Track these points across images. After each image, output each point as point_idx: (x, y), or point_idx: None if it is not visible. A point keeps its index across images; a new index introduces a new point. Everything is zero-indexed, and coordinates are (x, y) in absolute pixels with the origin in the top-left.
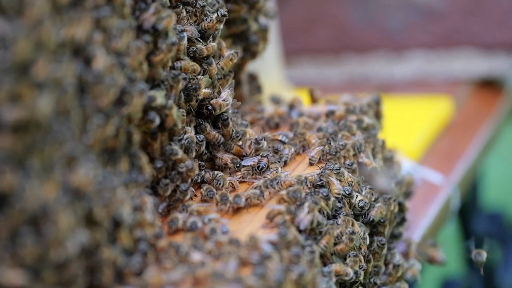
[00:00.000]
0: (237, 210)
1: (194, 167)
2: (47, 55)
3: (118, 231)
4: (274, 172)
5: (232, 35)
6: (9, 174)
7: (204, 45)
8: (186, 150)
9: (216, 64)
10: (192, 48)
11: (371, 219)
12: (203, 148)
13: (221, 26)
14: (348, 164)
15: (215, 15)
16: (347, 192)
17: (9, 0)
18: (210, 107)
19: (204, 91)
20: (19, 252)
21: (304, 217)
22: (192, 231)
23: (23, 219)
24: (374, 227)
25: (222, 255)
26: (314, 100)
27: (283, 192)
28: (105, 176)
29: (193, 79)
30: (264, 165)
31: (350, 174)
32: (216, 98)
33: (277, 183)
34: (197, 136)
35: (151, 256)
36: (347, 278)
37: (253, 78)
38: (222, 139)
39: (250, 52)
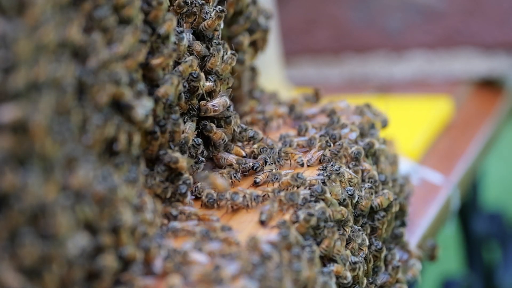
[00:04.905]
0: (237, 210)
1: (178, 160)
2: (48, 55)
3: (118, 232)
4: (268, 173)
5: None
6: (9, 174)
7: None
8: (181, 149)
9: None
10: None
11: (375, 204)
12: (200, 151)
13: (222, 23)
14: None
15: (214, 11)
16: (349, 193)
17: (9, 0)
18: (197, 106)
19: (207, 84)
20: (18, 252)
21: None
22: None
23: (22, 220)
24: (373, 220)
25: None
26: (318, 100)
27: (282, 194)
28: (105, 177)
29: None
30: (259, 165)
31: (351, 172)
32: (207, 100)
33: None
34: (195, 139)
35: (152, 255)
36: (345, 282)
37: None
38: (227, 138)
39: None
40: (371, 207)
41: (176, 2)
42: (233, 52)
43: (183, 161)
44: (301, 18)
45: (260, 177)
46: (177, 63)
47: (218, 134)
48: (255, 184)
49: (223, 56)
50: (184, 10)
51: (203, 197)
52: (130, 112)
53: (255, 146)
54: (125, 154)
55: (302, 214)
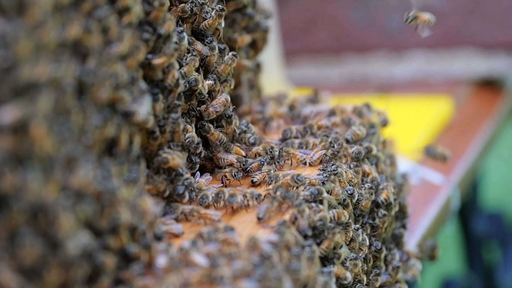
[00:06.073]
0: (237, 210)
1: (168, 160)
2: (48, 55)
3: (118, 231)
4: (265, 173)
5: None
6: (9, 175)
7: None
8: (187, 149)
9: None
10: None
11: (381, 199)
12: (199, 151)
13: (222, 22)
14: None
15: (214, 10)
16: (349, 192)
17: (9, 0)
18: (196, 107)
19: (207, 82)
20: (18, 252)
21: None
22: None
23: (22, 220)
24: (374, 219)
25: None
26: (318, 101)
27: (277, 193)
28: (105, 177)
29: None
30: (254, 166)
31: (351, 172)
32: (207, 104)
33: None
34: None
35: (153, 254)
36: (345, 282)
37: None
38: (225, 139)
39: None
40: (377, 204)
41: (181, 5)
42: (234, 53)
43: (173, 160)
44: (301, 18)
45: (258, 177)
46: (177, 63)
47: (216, 135)
48: (252, 184)
49: (222, 57)
50: (186, 15)
51: (198, 198)
52: (131, 117)
53: (260, 147)
54: (126, 154)
55: (295, 210)
